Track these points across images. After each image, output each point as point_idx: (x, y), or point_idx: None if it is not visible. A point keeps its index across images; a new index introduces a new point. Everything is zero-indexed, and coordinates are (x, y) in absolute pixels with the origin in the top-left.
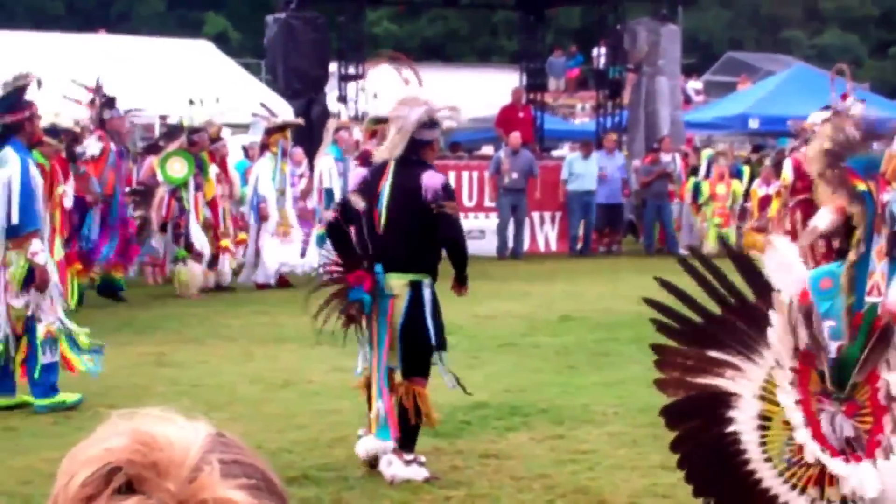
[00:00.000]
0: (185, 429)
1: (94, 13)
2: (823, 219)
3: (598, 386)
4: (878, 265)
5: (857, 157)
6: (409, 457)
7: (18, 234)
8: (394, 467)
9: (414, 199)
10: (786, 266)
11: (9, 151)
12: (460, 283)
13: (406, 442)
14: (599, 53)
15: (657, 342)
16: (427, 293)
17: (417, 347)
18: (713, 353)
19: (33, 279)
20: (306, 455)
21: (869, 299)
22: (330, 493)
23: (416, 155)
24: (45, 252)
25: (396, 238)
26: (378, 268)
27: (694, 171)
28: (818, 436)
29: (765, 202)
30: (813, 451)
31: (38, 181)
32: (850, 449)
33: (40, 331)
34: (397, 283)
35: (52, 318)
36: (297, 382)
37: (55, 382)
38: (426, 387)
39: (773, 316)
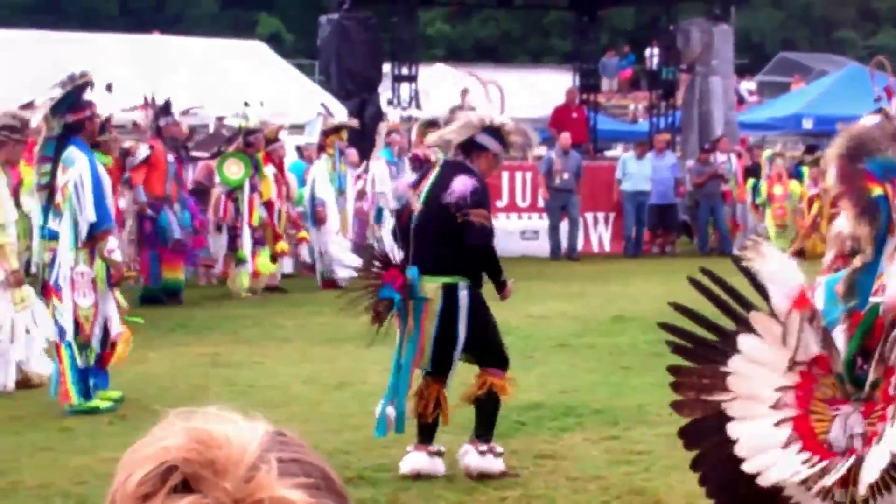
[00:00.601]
0: (243, 428)
1: (147, 14)
2: (846, 223)
3: (653, 387)
4: (889, 268)
5: (875, 159)
6: (484, 447)
7: (94, 233)
8: (469, 457)
9: (444, 202)
10: (778, 274)
11: (74, 151)
12: (498, 289)
13: (482, 432)
14: (652, 54)
15: (674, 363)
16: (462, 296)
17: (446, 350)
18: (725, 369)
19: (110, 277)
20: (362, 455)
21: (873, 300)
22: (386, 493)
23: (468, 158)
24: (119, 251)
25: (428, 241)
26: (412, 270)
27: (752, 171)
28: (812, 446)
29: (813, 202)
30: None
31: (106, 179)
32: (851, 445)
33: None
34: (431, 287)
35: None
36: (352, 383)
37: (94, 386)
38: (503, 378)
39: (744, 339)
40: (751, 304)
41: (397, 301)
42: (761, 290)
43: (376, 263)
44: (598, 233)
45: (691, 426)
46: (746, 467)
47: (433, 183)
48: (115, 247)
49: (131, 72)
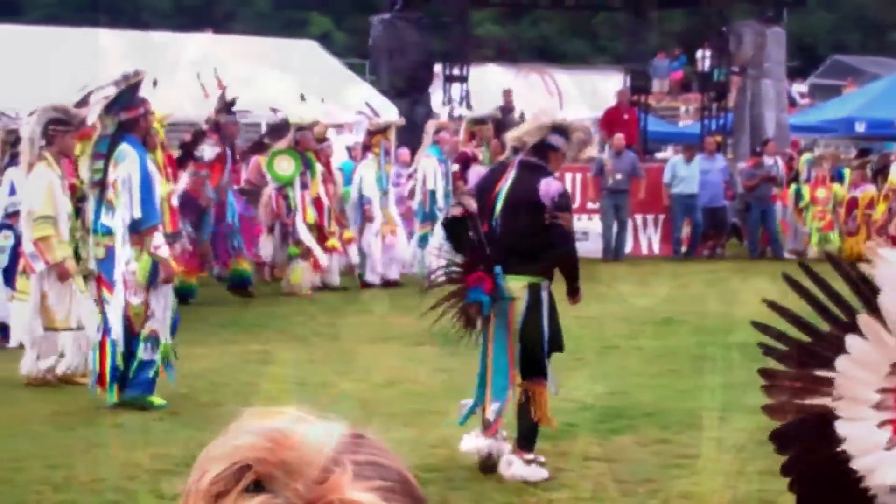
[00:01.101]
0: (319, 428)
1: (200, 13)
2: None
3: (702, 390)
4: None
5: None
6: (530, 456)
7: (139, 230)
8: (514, 467)
9: (530, 203)
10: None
11: (126, 147)
12: (572, 293)
13: (526, 442)
14: (704, 56)
15: (764, 363)
16: (544, 295)
17: (534, 349)
18: (820, 373)
19: (157, 274)
20: (410, 455)
21: None
22: (435, 493)
23: (541, 159)
24: (166, 247)
25: (513, 241)
26: (497, 270)
27: (796, 175)
28: None
29: (851, 205)
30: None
31: (155, 176)
32: None
33: (145, 328)
34: (516, 286)
35: (159, 317)
36: (401, 382)
37: (151, 381)
38: (545, 387)
39: (852, 340)
40: (851, 306)
41: (486, 303)
42: (862, 292)
43: (456, 267)
44: (648, 235)
45: (784, 430)
46: (855, 465)
47: (513, 183)
48: (162, 243)
49: (186, 69)
